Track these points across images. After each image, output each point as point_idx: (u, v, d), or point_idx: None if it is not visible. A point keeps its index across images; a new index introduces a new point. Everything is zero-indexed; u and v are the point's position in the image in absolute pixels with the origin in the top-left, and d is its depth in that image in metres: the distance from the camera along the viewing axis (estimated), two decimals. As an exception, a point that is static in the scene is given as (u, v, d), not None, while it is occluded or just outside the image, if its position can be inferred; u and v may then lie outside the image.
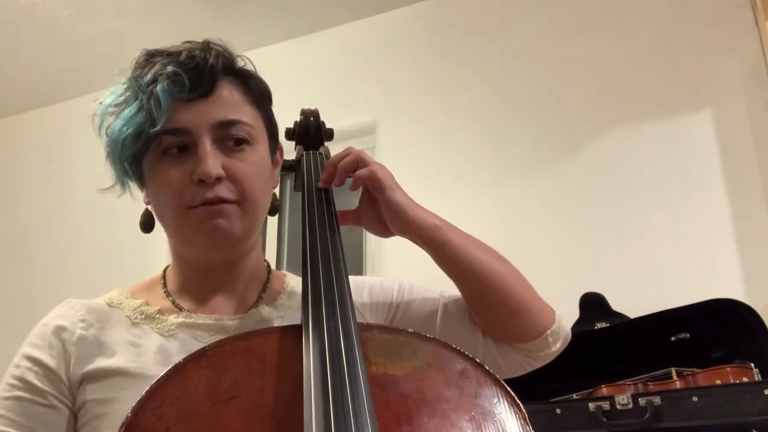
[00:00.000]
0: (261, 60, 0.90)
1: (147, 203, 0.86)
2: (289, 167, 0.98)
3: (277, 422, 0.61)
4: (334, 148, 1.02)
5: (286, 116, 0.97)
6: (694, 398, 1.53)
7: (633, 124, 2.24)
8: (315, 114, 1.02)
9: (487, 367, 0.71)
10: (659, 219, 2.10)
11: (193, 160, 0.78)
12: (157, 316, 0.83)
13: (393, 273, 2.13)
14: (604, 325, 1.83)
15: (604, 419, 1.58)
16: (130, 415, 0.61)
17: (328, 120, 1.03)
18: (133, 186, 0.85)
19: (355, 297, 0.85)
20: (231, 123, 0.80)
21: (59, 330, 0.79)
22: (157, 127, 0.76)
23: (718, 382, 1.57)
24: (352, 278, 0.81)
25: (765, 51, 2.08)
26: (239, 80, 0.84)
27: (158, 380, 0.64)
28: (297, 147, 1.01)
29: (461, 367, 0.70)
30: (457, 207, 2.25)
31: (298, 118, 1.02)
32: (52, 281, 2.97)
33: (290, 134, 1.01)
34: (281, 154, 0.93)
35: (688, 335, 1.73)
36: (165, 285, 0.88)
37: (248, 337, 0.70)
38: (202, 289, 0.86)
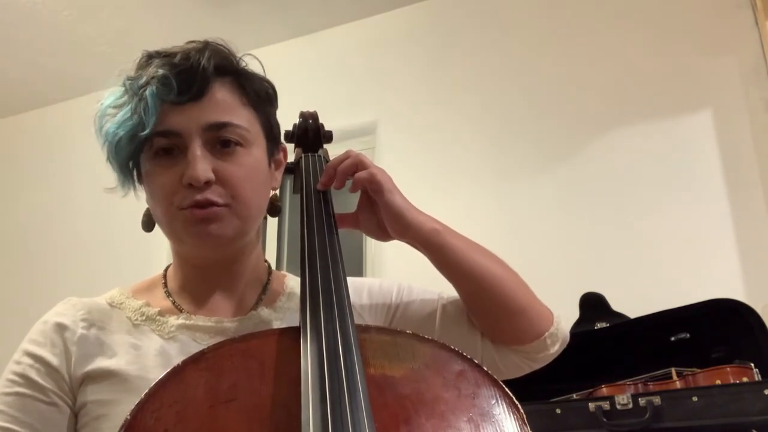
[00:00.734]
0: (261, 60, 0.90)
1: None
2: (288, 169, 0.98)
3: (276, 424, 0.62)
4: (334, 148, 1.02)
5: (285, 116, 0.97)
6: (694, 398, 1.53)
7: (633, 124, 2.23)
8: (314, 116, 1.02)
9: (485, 368, 0.71)
10: (659, 219, 2.10)
11: (184, 163, 0.77)
12: (158, 317, 0.83)
13: (393, 275, 2.13)
14: (604, 325, 1.83)
15: (604, 419, 1.58)
16: (129, 417, 0.61)
17: (328, 120, 1.03)
18: (136, 186, 0.85)
19: (354, 298, 0.85)
20: (222, 125, 0.79)
21: (61, 328, 0.79)
22: (147, 131, 0.76)
23: (718, 382, 1.57)
24: (351, 280, 0.81)
25: (765, 51, 2.08)
26: (235, 82, 0.83)
27: (157, 383, 0.64)
28: (296, 149, 1.01)
29: (459, 368, 0.70)
30: (457, 207, 2.26)
31: (297, 121, 1.02)
32: (52, 281, 2.97)
33: (289, 137, 1.01)
34: (285, 155, 0.93)
35: (688, 335, 1.73)
36: (166, 285, 0.88)
37: (247, 340, 0.70)
38: (202, 289, 0.86)
